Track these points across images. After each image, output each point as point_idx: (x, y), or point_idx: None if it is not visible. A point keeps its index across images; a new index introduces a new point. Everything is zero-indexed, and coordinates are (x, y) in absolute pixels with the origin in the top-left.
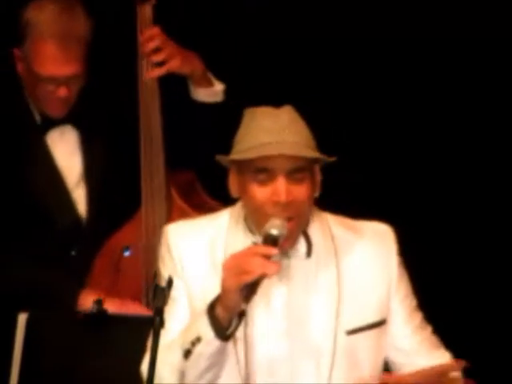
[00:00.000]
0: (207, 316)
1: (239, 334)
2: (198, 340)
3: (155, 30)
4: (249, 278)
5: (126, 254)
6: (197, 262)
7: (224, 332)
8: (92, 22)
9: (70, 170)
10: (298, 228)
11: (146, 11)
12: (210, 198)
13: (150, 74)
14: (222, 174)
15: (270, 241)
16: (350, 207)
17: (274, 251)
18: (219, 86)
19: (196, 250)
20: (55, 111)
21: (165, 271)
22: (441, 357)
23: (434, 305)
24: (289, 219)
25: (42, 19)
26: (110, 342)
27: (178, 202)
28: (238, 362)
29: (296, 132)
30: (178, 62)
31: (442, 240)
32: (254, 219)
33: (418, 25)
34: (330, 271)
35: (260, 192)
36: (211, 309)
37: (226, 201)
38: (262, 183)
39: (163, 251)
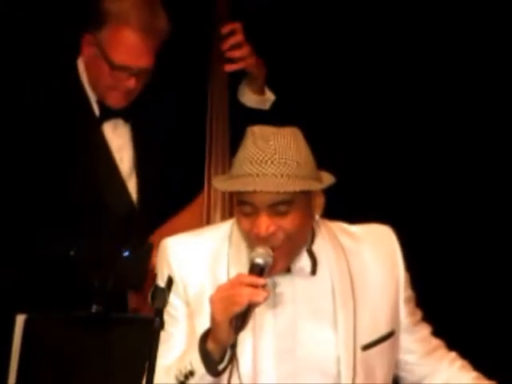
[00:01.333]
0: (199, 350)
1: (247, 355)
2: (191, 374)
3: (237, 26)
4: (237, 309)
5: (125, 254)
6: (198, 278)
7: (215, 367)
8: (169, 19)
9: (121, 163)
10: (287, 255)
11: (224, 5)
12: None
13: (227, 68)
14: None
15: (256, 269)
16: (348, 210)
17: (260, 281)
18: (270, 96)
19: (198, 268)
20: (118, 102)
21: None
22: (449, 355)
23: (433, 304)
24: (273, 249)
25: (126, 9)
26: (109, 343)
27: None
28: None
29: (280, 163)
30: (253, 62)
31: (441, 241)
32: (246, 244)
33: (417, 25)
34: (345, 286)
35: (245, 223)
36: (202, 342)
37: None
38: (246, 215)
39: (162, 267)
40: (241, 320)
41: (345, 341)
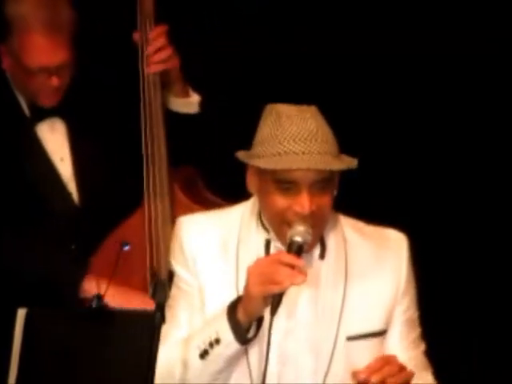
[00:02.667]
0: (227, 319)
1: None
2: (216, 342)
3: (162, 29)
4: (277, 289)
5: (126, 248)
6: (209, 257)
7: (244, 336)
8: (74, 10)
9: (62, 163)
10: (319, 235)
11: (148, 4)
12: (211, 194)
13: (150, 70)
14: (221, 171)
15: (295, 248)
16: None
17: (299, 262)
18: (196, 97)
19: (208, 245)
20: (48, 101)
21: (175, 264)
22: (425, 379)
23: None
24: (310, 227)
25: (25, 11)
26: (109, 337)
27: (181, 196)
28: (248, 361)
29: (323, 140)
30: (177, 62)
31: (446, 246)
32: (273, 224)
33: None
34: (339, 274)
35: (282, 200)
36: (231, 311)
37: (225, 197)
38: (285, 192)
39: (174, 244)
40: (277, 299)
41: (327, 327)
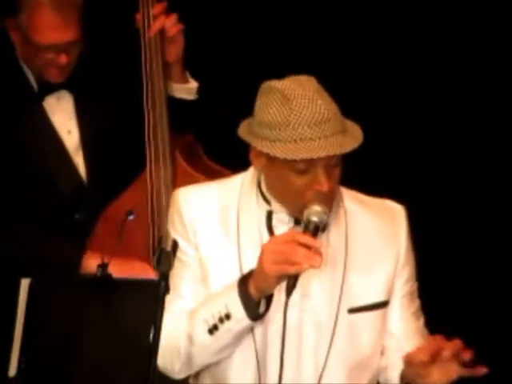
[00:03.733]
0: (238, 294)
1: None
2: (227, 317)
3: (164, 5)
4: (293, 270)
5: (130, 217)
6: (208, 227)
7: (255, 312)
8: None
9: (69, 135)
10: (331, 209)
11: None
12: (211, 162)
13: (152, 32)
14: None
15: (312, 228)
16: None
17: (316, 243)
18: (194, 84)
19: (207, 215)
20: (55, 77)
21: (175, 235)
22: None
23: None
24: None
25: None
26: (114, 307)
27: (183, 164)
28: (253, 335)
29: (333, 118)
30: (182, 41)
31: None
32: (288, 204)
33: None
34: (339, 247)
35: (299, 182)
36: (242, 286)
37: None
38: (301, 174)
39: (173, 215)
40: (293, 281)
41: (328, 300)
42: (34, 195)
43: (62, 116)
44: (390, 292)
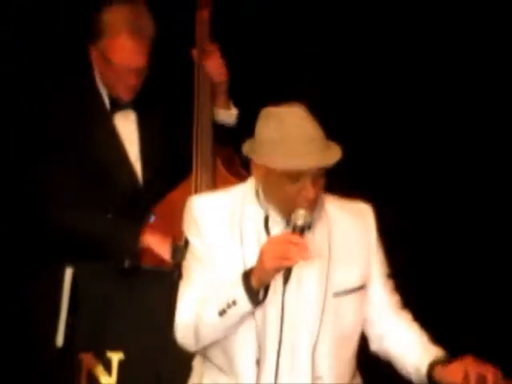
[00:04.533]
0: (243, 285)
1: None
2: (233, 303)
3: (217, 46)
4: (288, 263)
5: (151, 219)
6: (218, 230)
7: (256, 299)
8: (155, 23)
9: (131, 147)
10: (314, 211)
11: (204, 15)
12: (244, 170)
13: (208, 62)
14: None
15: (298, 229)
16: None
17: (304, 242)
18: (234, 111)
19: (217, 220)
20: (125, 95)
21: (190, 236)
22: (407, 317)
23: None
24: (311, 208)
25: (117, 19)
26: (139, 291)
27: (221, 169)
28: (254, 318)
29: (318, 138)
30: (227, 76)
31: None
32: (281, 206)
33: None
34: (324, 242)
35: (291, 189)
36: (246, 279)
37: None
38: (293, 182)
39: (189, 221)
40: (288, 271)
41: (317, 287)
42: (100, 194)
43: (127, 130)
44: (366, 277)
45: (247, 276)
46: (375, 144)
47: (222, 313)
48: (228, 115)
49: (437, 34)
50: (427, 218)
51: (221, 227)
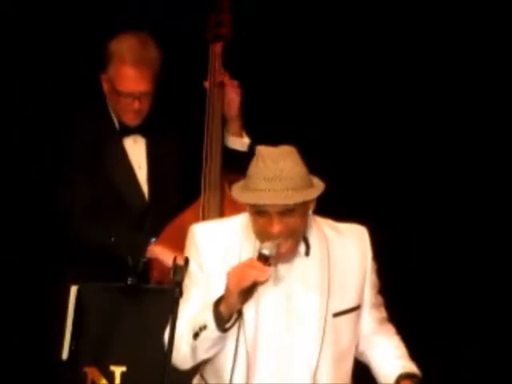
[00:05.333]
0: (213, 311)
1: (250, 313)
2: (204, 327)
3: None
4: (246, 284)
5: (152, 240)
6: (217, 260)
7: (224, 325)
8: (161, 53)
9: (140, 170)
10: (294, 243)
11: (217, 48)
12: None
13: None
14: None
15: (263, 258)
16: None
17: (264, 268)
18: (247, 139)
19: (217, 250)
20: (131, 120)
21: (191, 262)
22: (389, 331)
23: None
24: (281, 243)
25: (124, 48)
26: (141, 308)
27: (230, 194)
28: (244, 334)
29: (287, 178)
30: (239, 100)
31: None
32: (258, 239)
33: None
34: (324, 266)
35: (258, 223)
36: (217, 305)
37: None
38: (261, 216)
39: (190, 247)
40: (248, 292)
41: (318, 308)
42: (110, 213)
43: (136, 154)
44: (361, 297)
45: (218, 302)
46: (374, 146)
47: (196, 336)
48: (240, 143)
49: (436, 38)
50: (423, 226)
51: (219, 257)
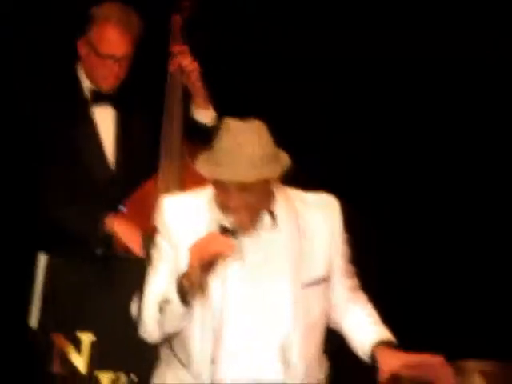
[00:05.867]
0: (176, 285)
1: (216, 287)
2: (168, 301)
3: (185, 48)
4: (208, 257)
5: (122, 210)
6: (183, 230)
7: (186, 299)
8: (142, 23)
9: (107, 138)
10: (252, 218)
11: (178, 21)
12: None
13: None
14: None
15: (224, 232)
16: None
17: (227, 240)
18: (213, 112)
19: (183, 220)
20: (108, 84)
21: (159, 236)
22: (361, 299)
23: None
24: (241, 217)
25: (107, 11)
26: (111, 278)
27: (192, 166)
28: (211, 309)
29: (250, 154)
30: (197, 75)
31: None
32: (220, 209)
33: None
34: (294, 238)
35: (220, 196)
36: (180, 279)
37: None
38: (222, 191)
39: (158, 220)
40: (209, 266)
41: (288, 279)
42: (73, 180)
43: (105, 123)
44: (331, 267)
45: (182, 277)
46: (371, 144)
47: (161, 310)
48: (205, 115)
49: (437, 38)
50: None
51: (188, 231)
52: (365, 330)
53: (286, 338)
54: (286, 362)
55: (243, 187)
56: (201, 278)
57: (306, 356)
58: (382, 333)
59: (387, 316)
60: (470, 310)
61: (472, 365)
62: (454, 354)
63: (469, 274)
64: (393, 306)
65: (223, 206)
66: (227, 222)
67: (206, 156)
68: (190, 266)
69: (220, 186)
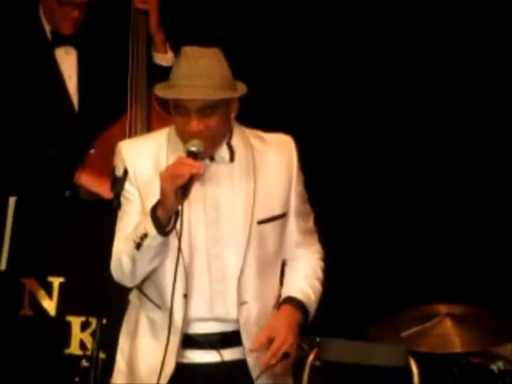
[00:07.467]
0: (151, 217)
1: (183, 225)
2: (145, 236)
3: None
4: (181, 181)
5: (91, 151)
6: (145, 171)
7: (164, 229)
8: None
9: (70, 80)
10: (212, 145)
11: None
12: None
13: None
14: None
15: (191, 155)
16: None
17: (196, 163)
18: (170, 54)
19: (144, 162)
20: (68, 29)
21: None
22: (313, 250)
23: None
24: (202, 141)
25: None
26: (79, 220)
27: (157, 108)
28: (181, 250)
29: (208, 76)
30: (155, 11)
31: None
32: (181, 140)
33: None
34: (249, 173)
35: (180, 122)
36: (154, 211)
37: None
38: (181, 116)
39: (118, 163)
40: (184, 190)
41: (244, 214)
42: (37, 123)
43: (67, 64)
44: (287, 206)
45: (155, 208)
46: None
47: (138, 246)
48: (164, 59)
49: (433, 24)
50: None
51: (149, 169)
52: (293, 280)
53: (239, 274)
54: (240, 300)
55: (204, 110)
56: (175, 205)
57: (261, 294)
58: (300, 289)
59: (353, 259)
60: (441, 257)
61: (442, 308)
62: (425, 298)
63: (441, 218)
64: (370, 249)
65: (183, 132)
66: (192, 147)
67: (165, 83)
68: (164, 193)
69: (180, 111)
